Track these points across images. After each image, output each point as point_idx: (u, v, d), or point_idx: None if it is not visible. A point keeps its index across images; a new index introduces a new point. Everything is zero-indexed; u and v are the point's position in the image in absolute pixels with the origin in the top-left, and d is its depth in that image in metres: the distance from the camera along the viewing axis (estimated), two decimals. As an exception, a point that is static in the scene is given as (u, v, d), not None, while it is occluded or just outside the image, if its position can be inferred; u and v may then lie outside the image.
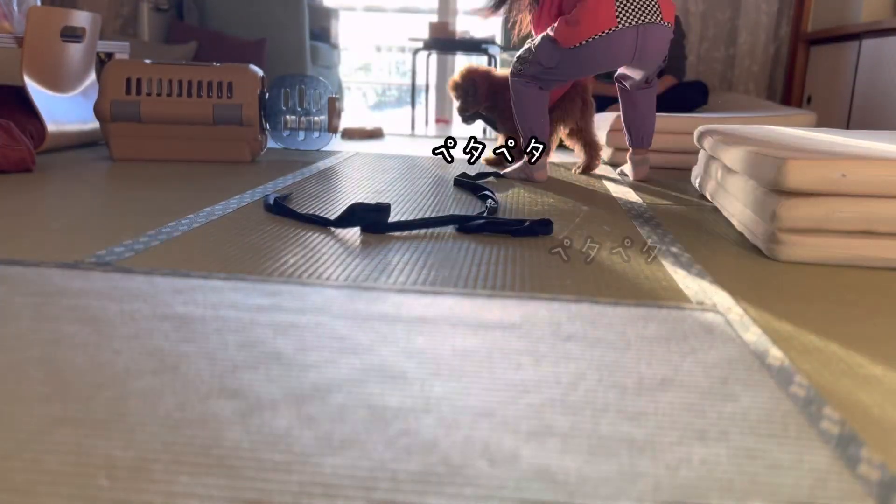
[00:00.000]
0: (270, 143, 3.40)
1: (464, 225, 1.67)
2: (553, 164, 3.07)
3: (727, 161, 1.88)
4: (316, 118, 3.28)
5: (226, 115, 2.70)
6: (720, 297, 1.23)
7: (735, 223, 1.81)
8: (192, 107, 2.67)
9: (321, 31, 4.84)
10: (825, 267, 1.48)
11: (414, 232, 1.64)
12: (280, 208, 1.78)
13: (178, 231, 1.57)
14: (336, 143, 3.67)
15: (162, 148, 2.71)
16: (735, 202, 1.80)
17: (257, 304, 1.11)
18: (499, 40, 4.89)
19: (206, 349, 0.93)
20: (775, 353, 0.99)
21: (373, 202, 1.66)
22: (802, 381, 0.90)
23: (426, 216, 1.83)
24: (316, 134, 3.30)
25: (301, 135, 3.29)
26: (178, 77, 2.68)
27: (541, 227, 1.65)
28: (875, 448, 0.74)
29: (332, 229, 1.64)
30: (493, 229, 1.65)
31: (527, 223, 1.65)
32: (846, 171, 1.46)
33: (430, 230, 1.66)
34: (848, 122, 3.51)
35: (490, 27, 5.70)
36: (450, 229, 1.68)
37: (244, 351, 0.93)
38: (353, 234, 1.60)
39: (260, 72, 2.87)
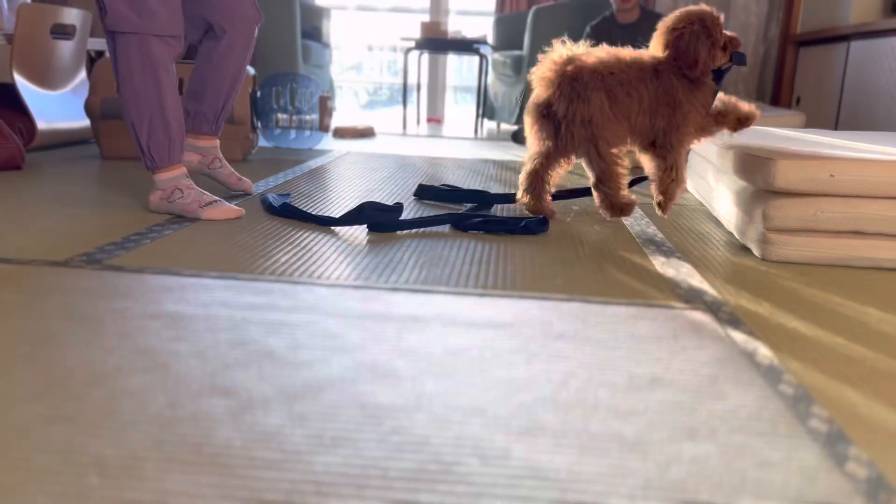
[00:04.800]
0: (262, 142, 3.40)
1: (461, 224, 1.67)
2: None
3: (717, 162, 1.89)
4: (307, 117, 3.28)
5: (217, 114, 2.68)
6: (710, 297, 1.24)
7: (725, 223, 1.82)
8: (183, 105, 2.66)
9: (313, 30, 4.83)
10: (814, 266, 1.49)
11: (406, 230, 1.64)
12: (280, 208, 1.77)
13: (169, 230, 1.56)
14: (327, 142, 3.67)
15: (152, 146, 2.70)
16: (725, 202, 1.82)
17: (249, 302, 1.11)
18: (490, 40, 4.89)
19: (198, 347, 0.93)
20: (764, 352, 1.00)
21: (374, 200, 1.66)
22: (791, 380, 0.91)
23: (418, 215, 1.83)
24: (307, 133, 3.29)
25: (292, 133, 3.28)
26: (168, 75, 2.66)
27: (537, 226, 1.67)
28: (863, 446, 0.75)
29: (331, 228, 1.63)
30: (490, 228, 1.66)
31: (523, 222, 1.66)
32: (835, 172, 1.47)
33: (423, 228, 1.67)
34: (836, 123, 3.53)
35: (482, 27, 5.71)
36: (443, 227, 1.68)
37: (236, 349, 0.93)
38: (346, 232, 1.60)
39: (251, 70, 2.87)
